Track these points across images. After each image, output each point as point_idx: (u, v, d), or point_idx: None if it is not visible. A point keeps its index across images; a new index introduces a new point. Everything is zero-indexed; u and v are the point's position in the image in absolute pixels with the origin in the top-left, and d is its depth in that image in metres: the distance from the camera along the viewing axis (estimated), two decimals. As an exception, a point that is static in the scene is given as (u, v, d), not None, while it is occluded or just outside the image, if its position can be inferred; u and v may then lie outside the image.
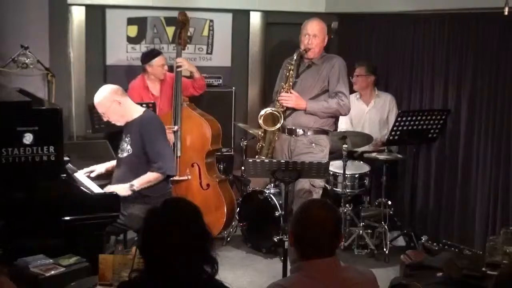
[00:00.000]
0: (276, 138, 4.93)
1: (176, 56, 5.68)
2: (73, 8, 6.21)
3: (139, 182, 4.48)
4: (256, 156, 4.93)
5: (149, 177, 4.50)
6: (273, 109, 4.88)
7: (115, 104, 4.50)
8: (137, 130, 4.51)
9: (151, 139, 4.49)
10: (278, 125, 4.85)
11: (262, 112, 4.90)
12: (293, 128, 4.94)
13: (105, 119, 4.63)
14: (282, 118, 4.83)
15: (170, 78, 5.84)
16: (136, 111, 4.60)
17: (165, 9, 6.56)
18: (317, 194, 5.00)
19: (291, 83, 4.89)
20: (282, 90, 4.89)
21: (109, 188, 4.46)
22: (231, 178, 6.17)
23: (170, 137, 5.40)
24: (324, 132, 4.99)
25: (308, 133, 4.93)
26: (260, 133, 5.01)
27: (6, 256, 3.72)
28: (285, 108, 4.89)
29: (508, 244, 3.61)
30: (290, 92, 4.87)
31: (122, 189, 4.42)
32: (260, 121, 4.87)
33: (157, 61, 5.72)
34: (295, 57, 4.89)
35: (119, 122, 4.58)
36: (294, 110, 4.92)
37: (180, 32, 5.67)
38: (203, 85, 5.86)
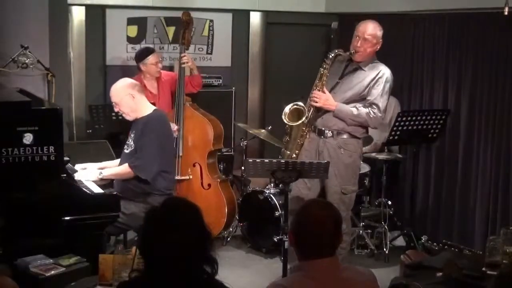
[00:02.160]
0: (307, 136, 4.65)
1: (180, 55, 5.69)
2: (73, 8, 6.21)
3: (108, 172, 4.57)
4: (282, 150, 4.71)
5: (120, 169, 4.56)
6: (298, 103, 4.61)
7: (128, 97, 4.53)
8: (141, 127, 4.54)
9: (143, 135, 4.50)
10: (302, 120, 4.55)
11: (286, 109, 4.59)
12: (322, 129, 4.62)
13: (116, 110, 4.66)
14: (307, 112, 4.55)
15: (166, 76, 5.85)
16: (147, 109, 4.62)
17: (165, 9, 6.56)
18: (349, 199, 4.71)
19: (324, 82, 4.58)
20: (315, 87, 4.60)
21: (80, 171, 4.55)
22: (231, 178, 6.17)
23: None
24: (354, 137, 4.64)
25: (337, 137, 4.61)
26: (286, 127, 4.72)
27: (6, 256, 3.72)
28: (314, 107, 4.59)
29: (508, 244, 3.61)
30: (323, 91, 4.57)
31: (89, 175, 4.52)
32: (285, 119, 4.58)
33: (150, 59, 5.69)
34: (331, 56, 4.56)
35: (129, 116, 4.60)
36: (326, 111, 4.61)
37: (184, 32, 5.67)
38: (200, 82, 5.88)
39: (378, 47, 4.64)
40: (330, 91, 4.62)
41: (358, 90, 4.60)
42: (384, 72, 4.60)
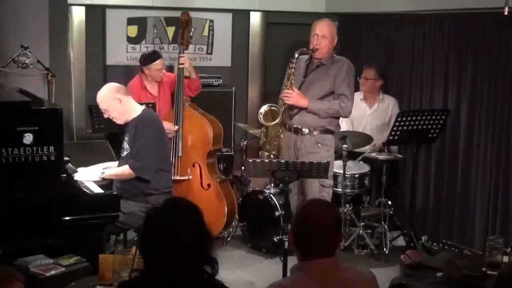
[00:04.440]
0: (282, 136, 4.94)
1: (178, 55, 5.69)
2: (73, 8, 6.21)
3: (109, 172, 4.58)
4: (260, 152, 4.95)
5: (122, 170, 4.56)
6: (272, 104, 4.91)
7: (115, 102, 4.52)
8: (133, 128, 4.54)
9: (138, 136, 4.50)
10: (277, 120, 4.85)
11: (262, 109, 4.92)
12: (299, 127, 4.93)
13: (105, 116, 4.65)
14: (281, 113, 4.84)
15: (167, 77, 5.83)
16: (136, 110, 4.61)
17: (165, 9, 6.56)
18: (327, 194, 4.97)
19: (292, 81, 4.89)
20: (285, 87, 4.90)
21: (80, 170, 4.53)
22: (231, 178, 6.17)
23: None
24: (330, 132, 4.98)
25: (314, 133, 4.92)
26: (262, 129, 5.05)
27: (6, 256, 3.72)
28: (286, 105, 4.89)
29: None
30: (292, 90, 4.87)
31: (92, 174, 4.53)
32: (260, 117, 4.90)
33: (156, 64, 5.66)
34: (296, 55, 4.88)
35: (119, 120, 4.60)
36: (300, 109, 4.91)
37: (183, 32, 5.66)
38: (198, 86, 5.86)
39: (335, 43, 5.02)
40: (299, 90, 4.91)
41: (325, 85, 4.93)
42: (347, 63, 4.97)
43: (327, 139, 4.96)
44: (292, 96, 4.86)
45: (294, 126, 4.95)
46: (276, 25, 7.07)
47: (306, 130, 4.92)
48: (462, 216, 5.53)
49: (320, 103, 4.89)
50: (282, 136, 4.95)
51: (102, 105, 4.58)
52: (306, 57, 5.01)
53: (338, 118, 5.06)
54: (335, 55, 5.04)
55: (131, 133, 4.55)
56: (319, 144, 4.91)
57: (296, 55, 4.89)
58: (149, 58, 5.74)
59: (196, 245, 2.22)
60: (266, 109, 4.89)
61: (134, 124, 4.55)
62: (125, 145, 4.61)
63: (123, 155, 4.63)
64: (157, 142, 4.60)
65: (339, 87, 4.90)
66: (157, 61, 5.69)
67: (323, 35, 4.89)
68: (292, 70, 4.89)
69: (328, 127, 4.95)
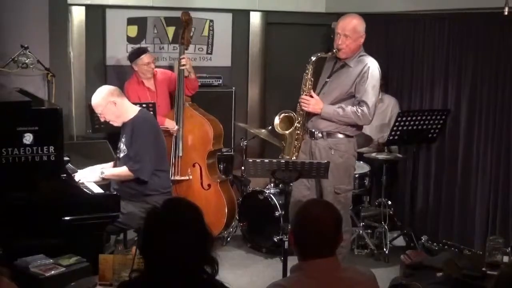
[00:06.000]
0: (304, 138, 4.67)
1: (179, 56, 5.68)
2: (73, 8, 6.20)
3: (109, 172, 4.61)
4: (280, 155, 4.74)
5: (121, 171, 4.56)
6: (285, 111, 4.70)
7: (110, 105, 4.52)
8: (130, 130, 4.54)
9: (135, 138, 4.51)
10: (291, 129, 4.61)
11: (277, 119, 4.67)
12: (313, 131, 4.64)
13: (102, 120, 4.66)
14: (297, 119, 4.62)
15: (162, 74, 5.85)
16: (132, 111, 4.61)
17: (165, 9, 6.56)
18: (344, 198, 4.67)
19: (310, 86, 4.61)
20: (302, 92, 4.62)
21: (80, 172, 4.54)
22: (231, 178, 6.17)
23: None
24: (345, 136, 4.62)
25: (327, 137, 4.61)
26: (280, 133, 4.77)
27: (6, 256, 3.72)
28: (305, 111, 4.62)
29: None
30: (310, 96, 4.59)
31: (91, 175, 4.54)
32: (278, 129, 4.67)
33: (141, 60, 5.67)
34: (313, 59, 4.57)
35: (116, 122, 4.61)
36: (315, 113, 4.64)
37: (183, 32, 5.67)
38: (196, 86, 5.85)
39: (362, 41, 4.60)
40: (319, 92, 4.65)
41: (344, 88, 4.59)
42: (370, 65, 4.54)
43: (341, 144, 4.60)
44: (309, 102, 4.57)
45: (310, 130, 4.67)
46: (276, 25, 7.06)
47: (319, 135, 4.62)
48: (462, 216, 5.53)
49: (334, 111, 4.53)
50: (304, 138, 4.68)
51: (97, 109, 4.59)
52: (334, 56, 4.63)
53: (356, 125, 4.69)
54: (362, 54, 4.62)
55: (128, 135, 4.55)
56: (332, 150, 4.59)
57: (313, 58, 4.57)
58: (134, 54, 5.77)
59: (196, 245, 2.22)
60: (281, 117, 4.67)
61: (130, 126, 4.56)
62: (122, 146, 4.61)
63: (120, 156, 4.64)
64: (153, 143, 4.60)
65: (360, 93, 4.51)
66: (142, 56, 5.69)
67: (345, 34, 4.52)
68: (308, 75, 4.59)
69: (344, 132, 4.61)
